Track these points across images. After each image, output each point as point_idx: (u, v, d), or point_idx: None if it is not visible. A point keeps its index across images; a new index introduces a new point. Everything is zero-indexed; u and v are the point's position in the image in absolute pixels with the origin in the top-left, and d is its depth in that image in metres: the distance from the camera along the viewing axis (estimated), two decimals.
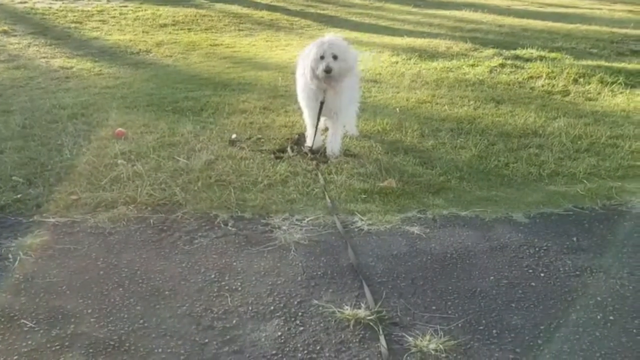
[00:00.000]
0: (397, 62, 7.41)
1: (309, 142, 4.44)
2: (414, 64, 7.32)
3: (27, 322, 2.49)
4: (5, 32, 8.75)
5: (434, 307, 2.65)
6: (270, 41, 8.98)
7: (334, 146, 4.33)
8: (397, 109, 5.47)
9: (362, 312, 2.56)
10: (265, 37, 9.26)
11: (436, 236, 3.27)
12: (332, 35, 4.16)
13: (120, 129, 4.63)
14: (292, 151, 4.38)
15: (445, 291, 2.78)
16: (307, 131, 4.51)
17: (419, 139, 4.70)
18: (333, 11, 11.84)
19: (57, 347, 2.36)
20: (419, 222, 3.42)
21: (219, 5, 11.61)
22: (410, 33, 9.61)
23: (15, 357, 2.30)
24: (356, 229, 3.31)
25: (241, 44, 8.70)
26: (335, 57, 3.99)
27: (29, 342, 2.38)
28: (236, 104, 5.58)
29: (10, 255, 2.99)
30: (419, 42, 8.73)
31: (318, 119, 4.29)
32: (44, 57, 7.52)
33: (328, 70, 3.95)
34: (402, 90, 6.12)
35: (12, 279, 2.80)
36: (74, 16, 10.02)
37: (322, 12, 11.72)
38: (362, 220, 3.41)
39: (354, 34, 9.65)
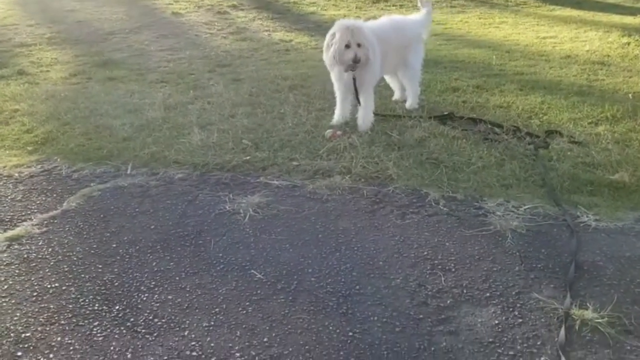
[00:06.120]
0: (628, 44, 6.65)
1: (335, 117, 4.48)
2: None
3: (257, 273, 2.72)
4: (234, 6, 9.59)
5: None
6: (483, 18, 8.63)
7: (365, 121, 4.34)
8: (630, 95, 4.90)
9: (589, 314, 2.36)
10: (478, 14, 8.92)
11: None
12: (353, 21, 4.14)
13: (338, 132, 4.36)
14: (508, 134, 4.17)
15: None
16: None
17: None
18: None
19: (282, 300, 2.54)
20: None
21: None
22: None
23: (247, 304, 2.52)
24: (581, 224, 3.05)
25: (453, 20, 8.49)
26: (359, 45, 4.00)
27: (259, 292, 2.60)
28: (448, 81, 5.47)
29: (241, 211, 3.29)
30: None
31: (356, 92, 4.27)
32: (266, 30, 8.09)
33: (357, 61, 4.02)
34: (636, 75, 5.47)
35: (243, 233, 3.08)
36: None
37: None
38: (587, 214, 3.13)
39: (576, 12, 8.89)
